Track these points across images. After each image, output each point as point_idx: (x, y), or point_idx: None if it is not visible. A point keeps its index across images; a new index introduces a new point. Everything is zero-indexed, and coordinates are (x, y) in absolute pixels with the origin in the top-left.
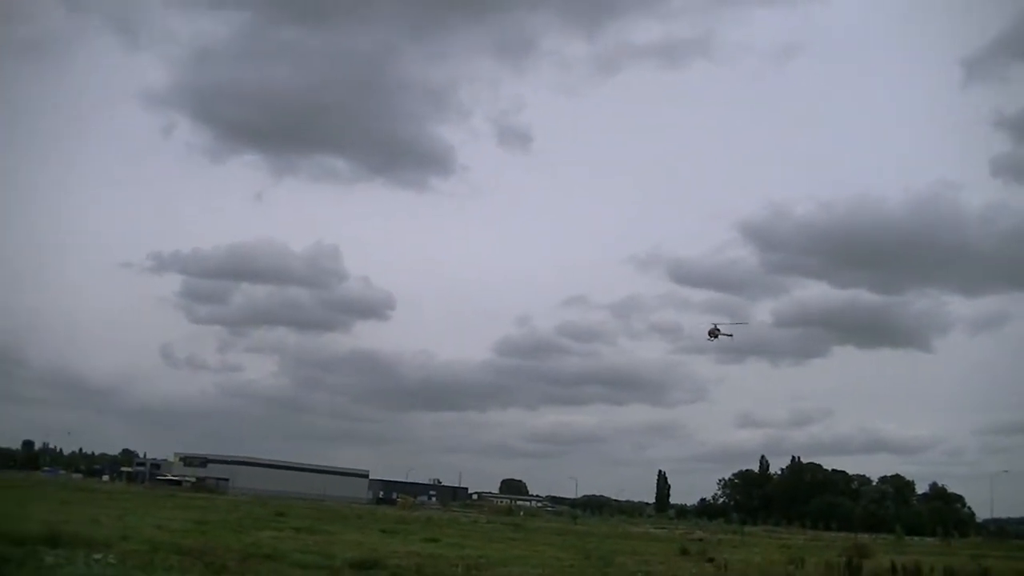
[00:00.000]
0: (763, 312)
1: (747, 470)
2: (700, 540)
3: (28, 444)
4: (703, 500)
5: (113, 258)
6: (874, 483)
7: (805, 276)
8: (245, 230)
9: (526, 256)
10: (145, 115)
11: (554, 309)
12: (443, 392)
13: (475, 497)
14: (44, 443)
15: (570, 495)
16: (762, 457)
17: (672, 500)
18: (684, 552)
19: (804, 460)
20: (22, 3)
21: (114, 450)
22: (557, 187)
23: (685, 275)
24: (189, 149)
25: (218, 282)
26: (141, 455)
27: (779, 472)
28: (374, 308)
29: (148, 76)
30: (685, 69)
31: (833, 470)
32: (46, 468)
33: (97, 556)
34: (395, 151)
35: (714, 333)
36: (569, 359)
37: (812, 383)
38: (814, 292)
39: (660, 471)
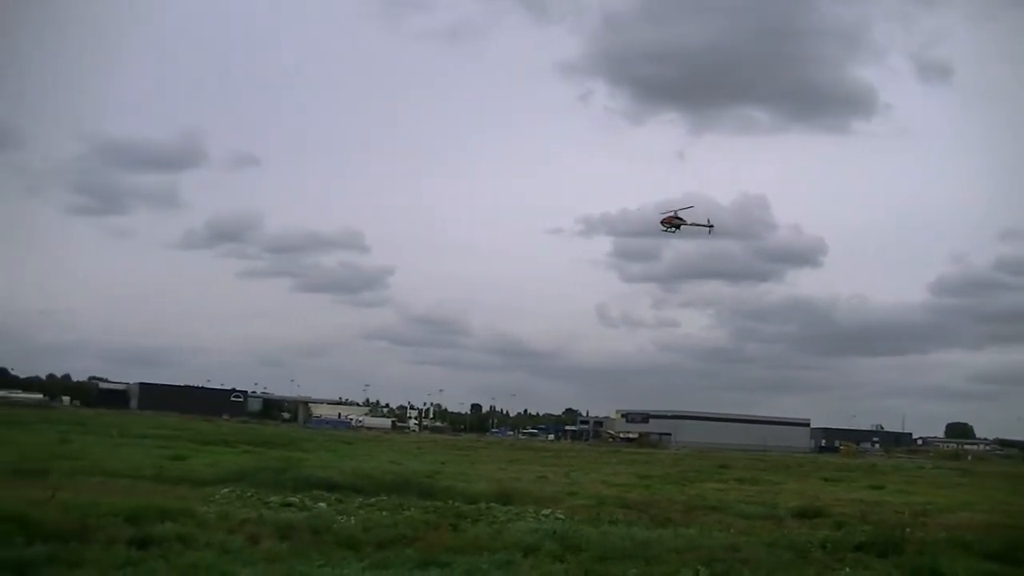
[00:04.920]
0: None
1: None
2: None
3: (476, 407)
4: None
5: (543, 225)
6: None
7: None
8: (670, 188)
9: (955, 191)
10: (562, 85)
11: (989, 244)
12: (881, 336)
13: (919, 442)
14: (491, 406)
15: (1021, 437)
16: None
17: None
18: None
19: None
20: None
21: (557, 409)
22: (982, 118)
23: None
24: (608, 114)
25: (647, 240)
26: (583, 413)
27: None
28: (806, 255)
29: (561, 48)
30: None
31: None
32: (494, 429)
33: (546, 511)
34: (814, 97)
35: (672, 223)
36: (1010, 295)
37: None
38: None
39: None
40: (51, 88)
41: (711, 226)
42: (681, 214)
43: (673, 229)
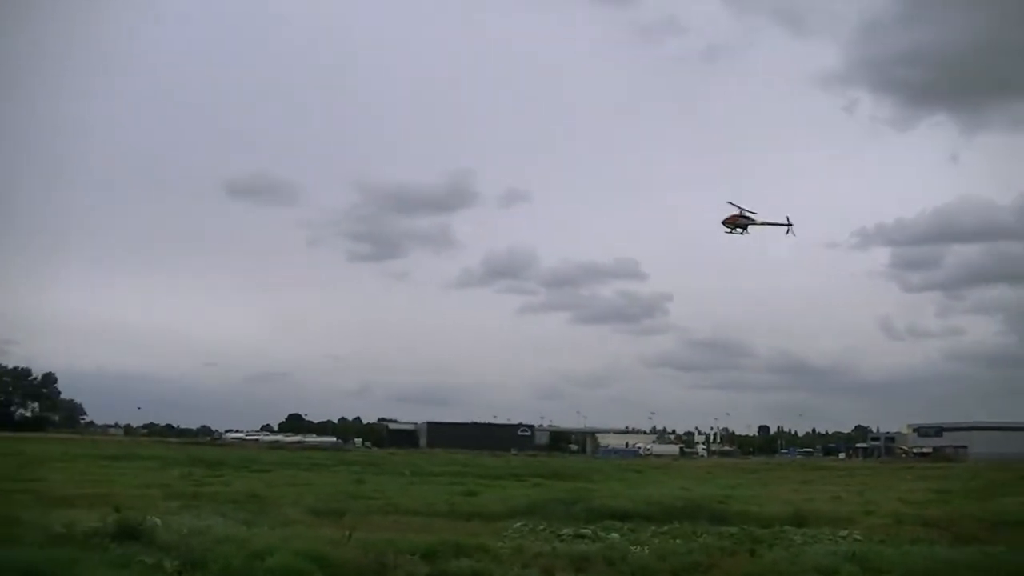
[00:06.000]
0: None
1: None
2: None
3: (764, 429)
4: None
5: (818, 240)
6: None
7: None
8: (945, 192)
9: None
10: (825, 97)
11: None
12: None
13: None
14: (778, 426)
15: None
16: None
17: None
18: None
19: None
20: (689, 16)
21: (846, 427)
22: None
23: None
24: (874, 122)
25: (927, 248)
26: (874, 429)
27: None
28: None
29: (821, 59)
30: None
31: None
32: (783, 450)
33: (842, 533)
34: None
35: (736, 222)
36: None
37: None
38: None
39: None
40: (326, 142)
41: (790, 225)
42: (749, 213)
43: (740, 231)
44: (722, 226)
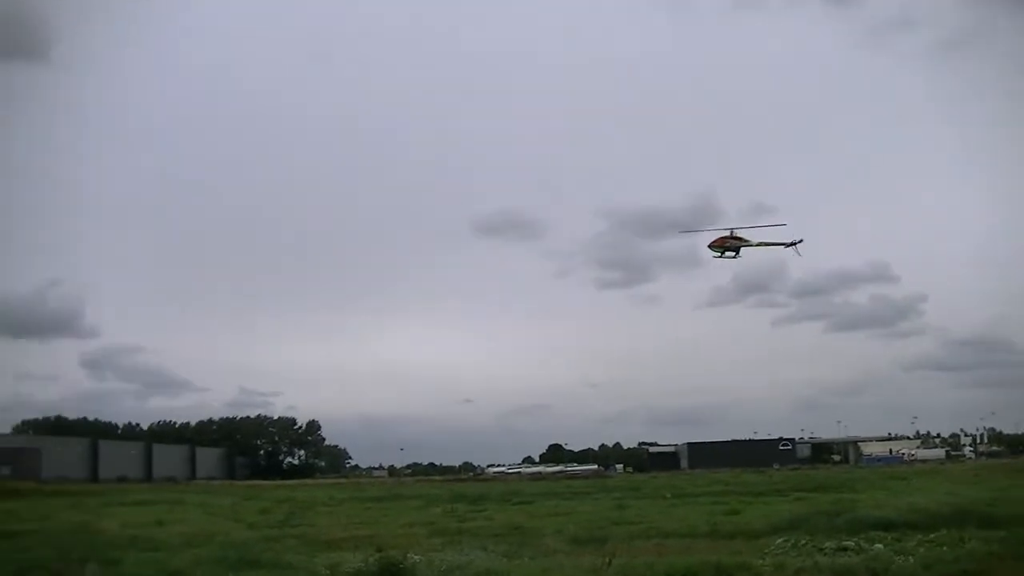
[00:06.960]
0: None
1: None
2: None
3: None
4: None
5: None
6: None
7: None
8: None
9: None
10: None
11: None
12: None
13: None
14: None
15: None
16: None
17: None
18: None
19: None
20: (919, 11)
21: None
22: None
23: None
24: None
25: None
26: None
27: None
28: None
29: None
30: None
31: None
32: None
33: None
34: None
35: (724, 245)
36: None
37: None
38: None
39: None
40: (567, 173)
41: (795, 243)
42: (741, 233)
43: (732, 254)
44: (709, 250)
